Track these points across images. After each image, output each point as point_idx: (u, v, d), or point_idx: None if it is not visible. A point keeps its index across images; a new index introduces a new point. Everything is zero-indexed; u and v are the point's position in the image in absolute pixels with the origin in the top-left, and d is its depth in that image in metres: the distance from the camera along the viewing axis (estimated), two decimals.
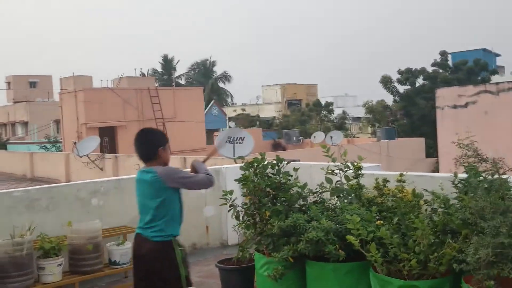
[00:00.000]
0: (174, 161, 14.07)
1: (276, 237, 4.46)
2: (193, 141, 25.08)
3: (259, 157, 4.92)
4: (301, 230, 4.28)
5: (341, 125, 33.52)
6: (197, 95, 27.74)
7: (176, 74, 54.68)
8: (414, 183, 4.74)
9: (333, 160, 5.09)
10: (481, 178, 3.99)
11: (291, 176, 4.89)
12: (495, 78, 31.66)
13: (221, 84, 56.68)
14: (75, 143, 19.27)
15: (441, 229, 4.11)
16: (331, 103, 36.16)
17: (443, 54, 33.58)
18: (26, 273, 4.59)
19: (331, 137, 21.61)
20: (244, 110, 39.94)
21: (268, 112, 44.66)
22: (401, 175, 4.87)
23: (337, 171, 5.08)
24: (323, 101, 37.17)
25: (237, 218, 4.87)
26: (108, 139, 23.45)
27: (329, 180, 5.00)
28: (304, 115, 34.93)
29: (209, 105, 38.85)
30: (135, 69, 69.50)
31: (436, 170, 22.14)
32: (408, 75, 32.28)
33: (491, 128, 15.82)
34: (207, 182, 3.64)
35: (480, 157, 4.00)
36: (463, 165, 4.15)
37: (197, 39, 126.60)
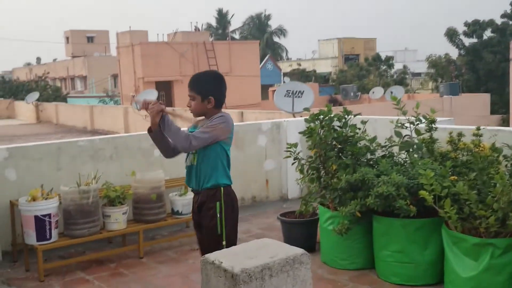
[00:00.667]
0: (232, 116, 13.99)
1: (342, 191, 4.30)
2: (249, 96, 24.99)
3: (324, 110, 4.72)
4: (370, 184, 4.09)
5: (401, 80, 32.31)
6: (252, 49, 27.42)
7: (231, 28, 54.34)
8: (493, 138, 4.41)
9: (404, 113, 4.84)
10: None
11: (359, 129, 4.67)
12: None
13: (276, 39, 55.92)
14: (133, 96, 19.59)
15: None
16: (391, 58, 34.81)
17: None
18: (93, 220, 4.67)
19: (391, 92, 20.87)
20: (299, 65, 39.20)
21: (324, 67, 43.70)
22: (478, 129, 4.55)
23: (407, 124, 4.82)
24: (382, 56, 35.89)
25: (301, 171, 4.73)
26: (165, 93, 23.72)
27: (398, 134, 4.76)
28: (363, 70, 33.90)
29: (264, 60, 38.44)
30: (191, 23, 69.39)
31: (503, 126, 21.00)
32: (475, 28, 30.49)
33: None
34: None
35: None
36: None
37: None
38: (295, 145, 4.71)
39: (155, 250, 5.11)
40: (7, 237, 4.83)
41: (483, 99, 24.35)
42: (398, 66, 38.04)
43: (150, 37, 30.37)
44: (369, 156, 4.60)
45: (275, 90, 32.40)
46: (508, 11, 31.37)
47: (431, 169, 4.03)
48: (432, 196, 3.83)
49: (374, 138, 4.57)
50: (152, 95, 16.83)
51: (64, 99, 36.11)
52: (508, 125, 22.29)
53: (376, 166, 4.42)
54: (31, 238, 4.44)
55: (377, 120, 6.27)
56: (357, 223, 4.25)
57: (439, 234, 4.00)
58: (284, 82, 39.38)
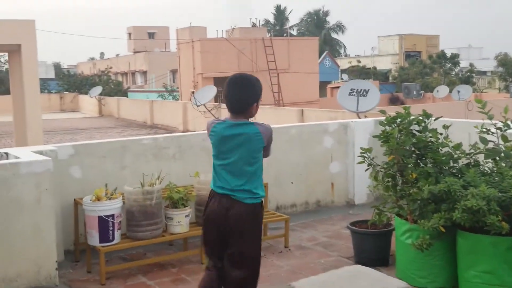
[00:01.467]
0: (292, 114, 13.69)
1: (423, 202, 3.92)
2: (306, 93, 24.58)
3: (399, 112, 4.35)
4: (456, 196, 3.70)
5: (467, 79, 30.83)
6: (312, 45, 26.94)
7: (288, 24, 53.96)
8: None
9: (490, 118, 4.39)
10: None
11: (440, 134, 4.27)
12: None
13: (333, 35, 55.07)
14: (193, 92, 19.65)
15: None
16: (457, 55, 33.26)
17: None
18: (156, 222, 4.52)
19: (458, 91, 19.93)
20: (359, 61, 38.28)
21: (384, 64, 42.50)
22: None
23: (493, 130, 4.38)
24: (446, 53, 34.42)
25: (375, 178, 4.38)
26: (223, 89, 23.67)
27: (483, 140, 4.31)
28: (426, 68, 32.57)
29: (322, 56, 37.80)
30: (250, 18, 69.65)
31: None
32: None
33: None
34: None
35: None
36: None
37: None
38: (370, 150, 4.37)
39: None
40: (70, 236, 4.77)
41: None
42: (462, 64, 36.39)
43: (209, 33, 30.48)
44: (451, 164, 4.20)
45: (334, 87, 31.80)
46: None
47: None
48: None
49: (459, 145, 4.15)
50: (211, 91, 16.79)
51: (125, 93, 37.01)
52: None
53: (460, 176, 4.00)
54: (94, 239, 4.34)
55: (453, 123, 5.79)
56: (439, 238, 3.86)
57: None
58: (342, 79, 38.63)
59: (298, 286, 1.77)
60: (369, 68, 37.66)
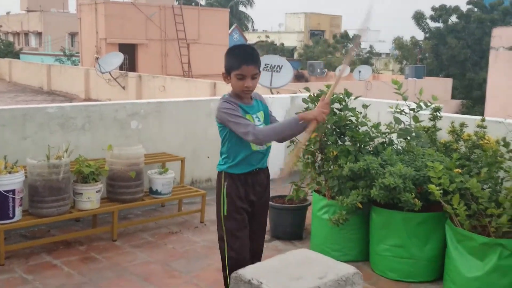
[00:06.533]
0: (204, 86, 13.38)
1: (342, 179, 3.99)
2: (216, 66, 24.29)
3: (325, 90, 4.36)
4: (374, 174, 3.80)
5: (366, 59, 32.28)
6: (222, 17, 26.56)
7: None
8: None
9: (405, 99, 4.58)
10: None
11: (360, 113, 4.35)
12: None
13: (241, 8, 54.82)
14: (97, 58, 18.57)
15: None
16: (359, 37, 34.47)
17: None
18: (63, 198, 4.17)
19: (359, 71, 20.79)
20: (268, 37, 38.50)
21: (290, 41, 43.17)
22: (483, 120, 4.32)
23: (407, 110, 4.57)
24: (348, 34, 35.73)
25: None
26: (128, 56, 22.69)
27: (397, 120, 4.47)
28: (330, 47, 33.60)
29: (231, 29, 37.53)
30: None
31: (463, 112, 21.56)
32: (441, 12, 30.77)
33: None
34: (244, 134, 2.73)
35: None
36: None
37: None
38: None
39: (129, 232, 4.68)
40: None
41: (446, 84, 24.66)
42: (362, 45, 38.00)
43: None
44: (368, 142, 4.30)
45: None
46: None
47: (439, 161, 3.78)
48: (441, 191, 3.58)
49: (378, 124, 4.26)
50: (118, 57, 15.97)
51: (16, 55, 34.22)
52: (468, 112, 22.78)
53: (377, 154, 4.12)
54: None
55: (371, 103, 5.96)
56: (355, 214, 3.97)
57: (441, 230, 3.79)
58: None
59: (246, 274, 1.67)
60: (276, 44, 38.06)
